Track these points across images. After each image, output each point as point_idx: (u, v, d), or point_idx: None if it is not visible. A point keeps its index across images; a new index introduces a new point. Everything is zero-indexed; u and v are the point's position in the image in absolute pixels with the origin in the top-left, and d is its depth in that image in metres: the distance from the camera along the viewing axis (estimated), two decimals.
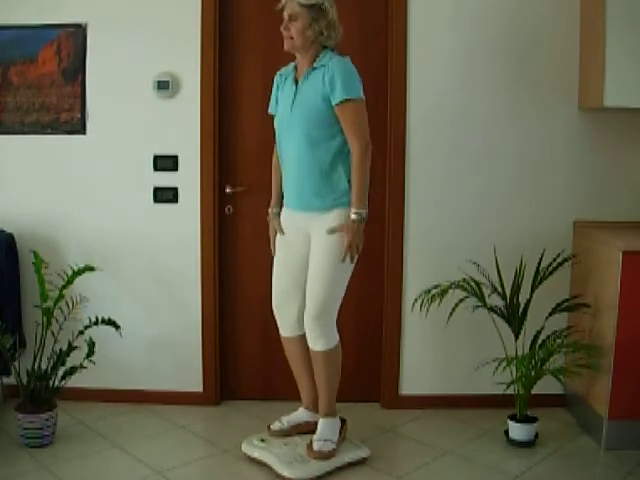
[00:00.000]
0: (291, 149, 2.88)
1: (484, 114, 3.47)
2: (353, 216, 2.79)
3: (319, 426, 2.98)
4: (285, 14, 2.83)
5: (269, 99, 3.22)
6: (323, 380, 2.97)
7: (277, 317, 3.11)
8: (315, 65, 2.83)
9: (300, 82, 2.87)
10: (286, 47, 2.87)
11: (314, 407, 3.13)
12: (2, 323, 3.13)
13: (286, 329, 3.10)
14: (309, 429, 3.09)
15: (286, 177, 2.96)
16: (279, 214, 3.08)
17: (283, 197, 3.06)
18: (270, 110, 3.07)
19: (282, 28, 2.84)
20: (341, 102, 2.76)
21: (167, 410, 3.52)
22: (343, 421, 3.07)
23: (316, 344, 2.93)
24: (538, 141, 3.48)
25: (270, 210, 3.13)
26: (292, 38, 2.82)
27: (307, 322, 2.92)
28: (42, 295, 3.15)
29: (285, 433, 3.09)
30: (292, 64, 2.97)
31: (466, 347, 3.55)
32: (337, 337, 2.97)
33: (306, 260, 2.94)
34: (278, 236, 3.07)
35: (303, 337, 3.02)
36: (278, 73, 3.05)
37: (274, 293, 3.09)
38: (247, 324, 3.65)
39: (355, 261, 2.89)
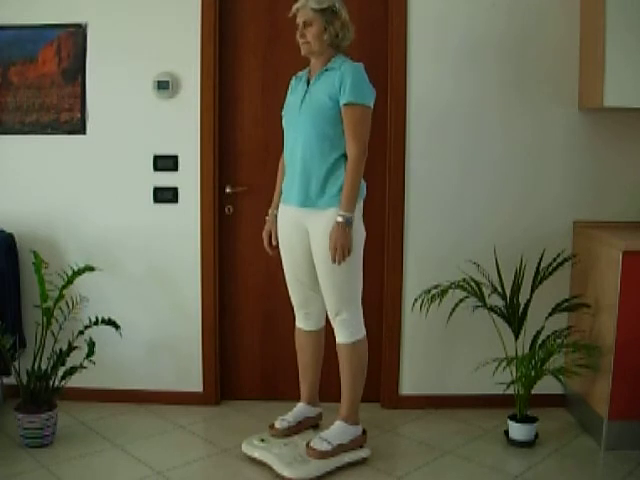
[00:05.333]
0: (298, 145, 2.89)
1: (483, 114, 3.47)
2: (339, 218, 2.79)
3: (333, 426, 2.99)
4: (299, 20, 2.87)
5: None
6: (347, 377, 2.98)
7: (298, 314, 3.15)
8: (327, 67, 2.87)
9: (312, 82, 2.91)
10: (303, 52, 2.91)
11: (314, 403, 3.20)
12: (2, 323, 3.13)
13: (305, 323, 3.14)
14: (309, 424, 3.16)
15: (290, 173, 2.97)
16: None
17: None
18: (283, 112, 3.08)
19: (298, 35, 2.88)
20: (347, 104, 2.79)
21: (167, 410, 3.52)
22: (363, 431, 3.05)
23: (339, 336, 2.97)
24: (538, 141, 3.48)
25: (270, 212, 3.14)
26: (308, 43, 2.86)
27: (330, 318, 2.99)
28: (42, 295, 3.15)
29: (291, 430, 3.10)
30: (308, 68, 3.01)
31: (466, 347, 3.55)
32: (363, 332, 2.99)
33: (311, 254, 2.96)
34: (280, 242, 3.08)
35: (320, 332, 3.13)
36: (294, 76, 3.09)
37: (294, 297, 3.13)
38: (247, 324, 3.65)
39: (361, 254, 2.92)
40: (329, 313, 2.98)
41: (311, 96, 2.88)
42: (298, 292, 3.11)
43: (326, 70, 2.87)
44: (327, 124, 2.83)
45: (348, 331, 2.94)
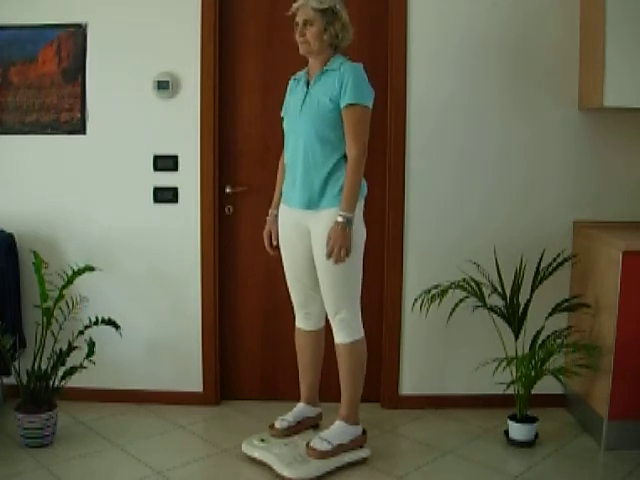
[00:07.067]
0: (300, 147, 2.89)
1: (483, 114, 3.47)
2: (339, 218, 2.79)
3: (333, 425, 2.99)
4: (299, 20, 2.86)
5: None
6: (346, 377, 2.98)
7: (298, 313, 3.15)
8: (326, 68, 2.87)
9: (311, 84, 2.91)
10: (302, 51, 2.90)
11: (314, 403, 3.20)
12: (2, 323, 3.13)
13: (305, 323, 3.15)
14: (309, 424, 3.16)
15: (292, 175, 2.97)
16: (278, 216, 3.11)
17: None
18: (282, 113, 3.08)
19: (297, 34, 2.87)
20: (347, 105, 2.79)
21: (167, 410, 3.52)
22: (363, 431, 3.06)
23: (337, 336, 2.97)
24: (538, 141, 3.48)
25: (271, 211, 3.15)
26: (308, 42, 2.85)
27: (329, 317, 3.00)
28: (42, 295, 3.15)
29: (291, 430, 3.10)
30: (305, 68, 3.00)
31: (466, 347, 3.55)
32: (361, 332, 2.99)
33: (312, 254, 2.96)
34: (281, 242, 3.08)
35: (320, 332, 3.14)
36: (292, 77, 3.09)
37: (295, 296, 3.13)
38: (247, 324, 3.65)
39: (361, 253, 2.92)
40: (328, 313, 2.99)
41: (311, 98, 2.88)
42: (298, 292, 3.11)
43: (326, 70, 2.87)
44: (328, 127, 2.83)
45: (347, 331, 2.94)
